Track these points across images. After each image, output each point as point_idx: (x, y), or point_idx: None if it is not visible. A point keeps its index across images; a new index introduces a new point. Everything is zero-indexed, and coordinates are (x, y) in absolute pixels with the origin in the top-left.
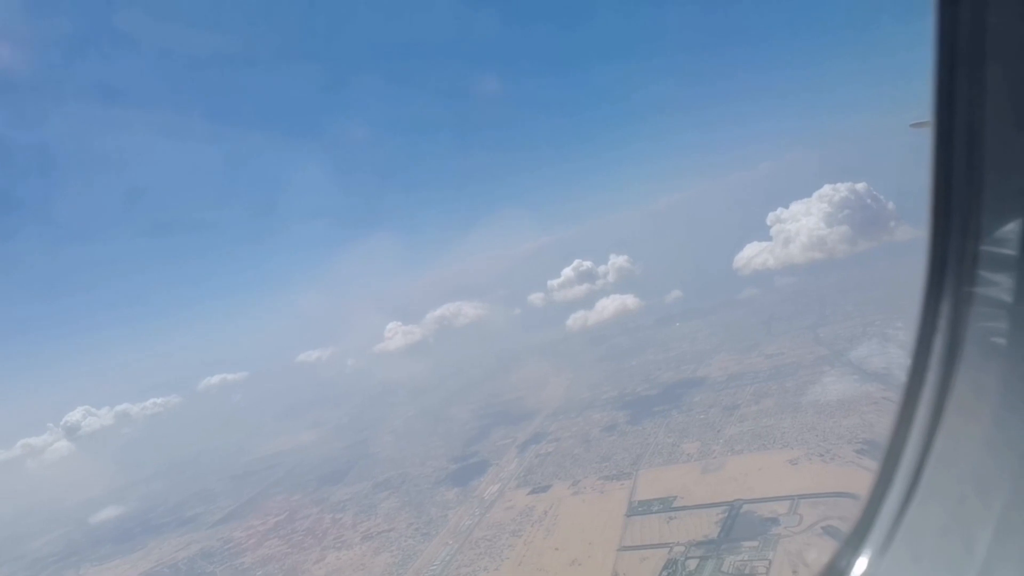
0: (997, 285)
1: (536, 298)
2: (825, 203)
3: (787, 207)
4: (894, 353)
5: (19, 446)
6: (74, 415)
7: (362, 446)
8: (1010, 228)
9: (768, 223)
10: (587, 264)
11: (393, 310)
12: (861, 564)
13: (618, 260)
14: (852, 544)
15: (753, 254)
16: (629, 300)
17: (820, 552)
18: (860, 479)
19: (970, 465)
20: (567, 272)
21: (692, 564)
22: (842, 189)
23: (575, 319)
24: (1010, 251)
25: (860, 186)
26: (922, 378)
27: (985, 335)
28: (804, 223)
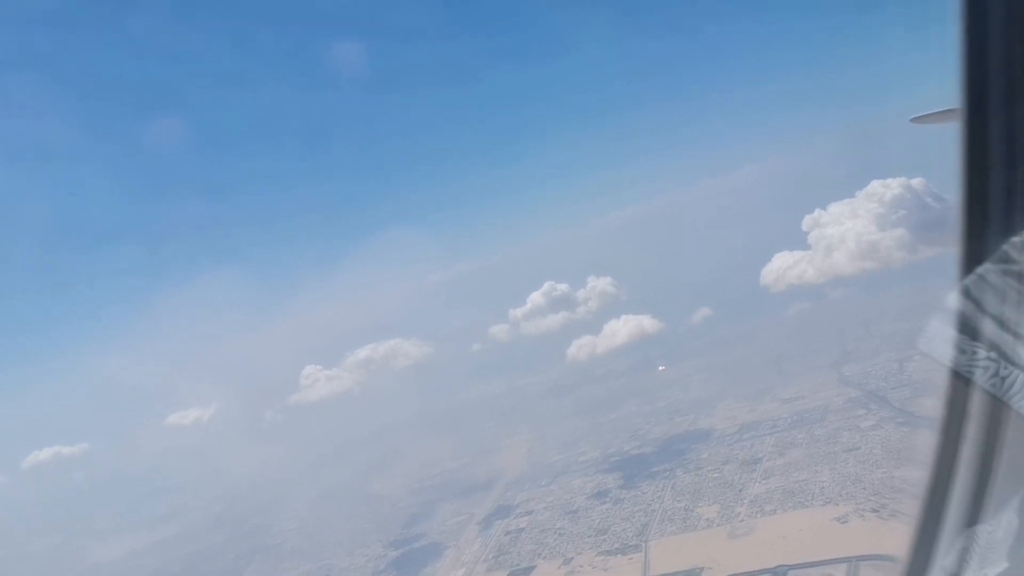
0: None
1: (499, 331)
2: (875, 203)
3: (824, 208)
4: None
5: None
6: None
7: (256, 536)
8: None
9: (804, 228)
10: (562, 288)
11: (303, 351)
12: None
13: (600, 283)
14: None
15: (786, 265)
16: (646, 322)
17: None
18: None
19: None
20: (536, 298)
21: None
22: (894, 186)
23: (579, 346)
24: None
25: (916, 182)
26: (963, 414)
27: None
28: (850, 227)
